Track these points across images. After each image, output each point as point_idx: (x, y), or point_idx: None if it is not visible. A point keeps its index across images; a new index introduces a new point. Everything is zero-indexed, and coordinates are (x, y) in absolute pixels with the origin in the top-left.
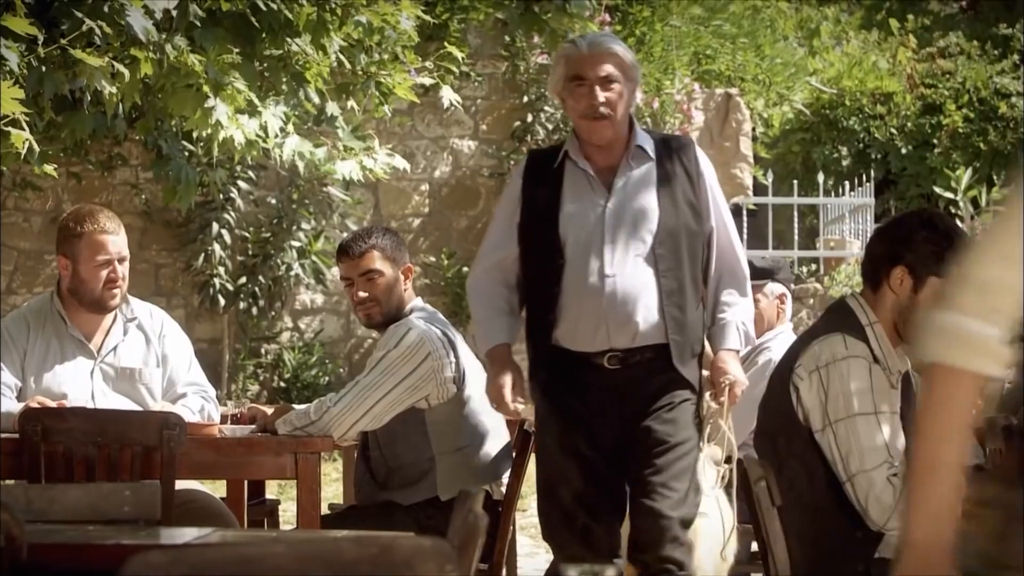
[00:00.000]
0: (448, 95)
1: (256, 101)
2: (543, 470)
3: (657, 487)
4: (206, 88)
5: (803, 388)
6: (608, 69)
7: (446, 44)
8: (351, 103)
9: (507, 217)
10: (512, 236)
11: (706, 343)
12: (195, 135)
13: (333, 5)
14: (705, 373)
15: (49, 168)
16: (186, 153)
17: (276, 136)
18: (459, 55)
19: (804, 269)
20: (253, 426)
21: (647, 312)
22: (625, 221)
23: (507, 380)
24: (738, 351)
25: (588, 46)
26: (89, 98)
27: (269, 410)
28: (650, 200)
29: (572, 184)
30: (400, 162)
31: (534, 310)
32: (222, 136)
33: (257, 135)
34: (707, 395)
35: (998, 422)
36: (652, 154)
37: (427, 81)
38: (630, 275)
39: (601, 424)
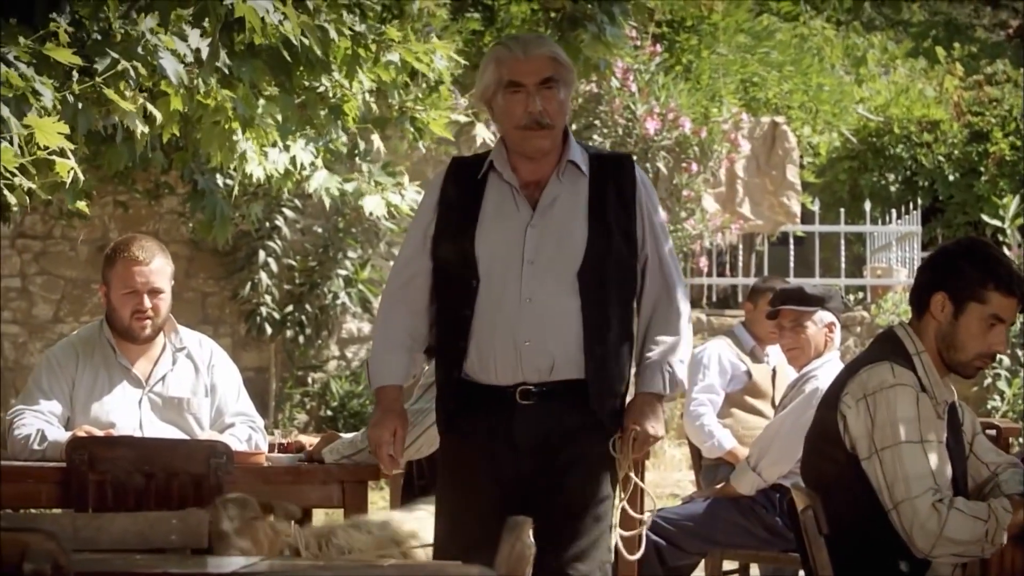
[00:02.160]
0: (482, 133)
1: (278, 139)
2: (444, 507)
3: (569, 561)
4: (233, 124)
5: (850, 416)
6: (547, 74)
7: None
8: (376, 140)
9: (422, 229)
10: (426, 250)
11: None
12: (224, 169)
13: (367, 41)
14: None
15: (82, 204)
16: (224, 186)
17: (305, 170)
18: None
19: (851, 297)
20: (300, 455)
21: (566, 344)
22: (548, 242)
23: (388, 430)
24: (660, 395)
25: (525, 49)
26: (121, 134)
27: (315, 439)
28: (578, 221)
29: (494, 197)
30: None
31: (444, 334)
32: (248, 170)
33: (288, 168)
34: (611, 441)
35: None
36: (585, 170)
37: (462, 119)
38: (549, 302)
39: (509, 461)
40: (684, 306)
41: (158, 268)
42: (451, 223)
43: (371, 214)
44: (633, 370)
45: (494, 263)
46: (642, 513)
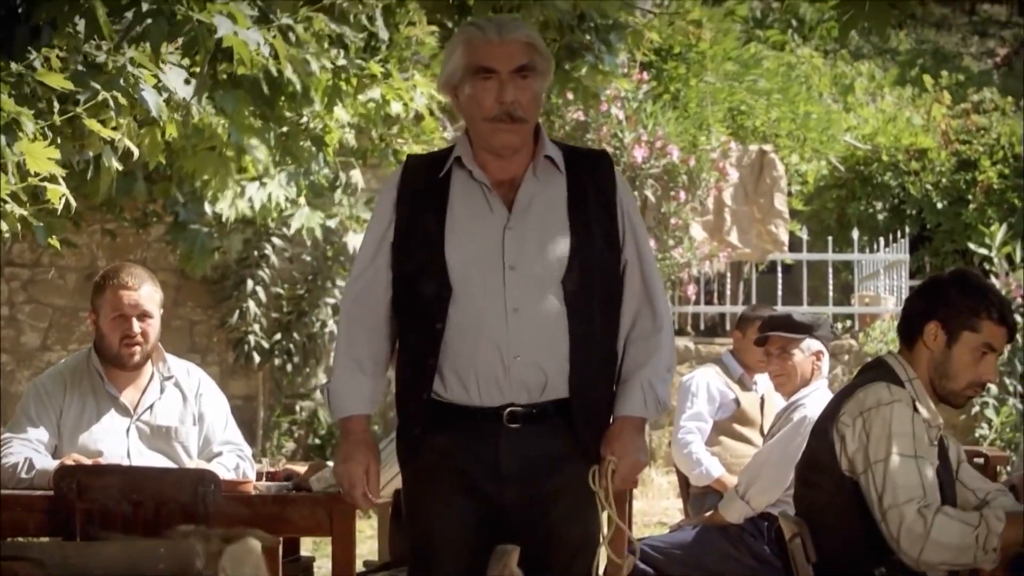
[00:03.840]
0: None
1: (271, 166)
2: (418, 541)
3: None
4: (228, 151)
5: (848, 434)
6: (523, 61)
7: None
8: (356, 175)
9: (378, 236)
10: (383, 259)
11: None
12: (210, 197)
13: (348, 75)
14: None
15: (54, 241)
16: (212, 215)
17: (282, 207)
18: None
19: (839, 325)
20: (288, 483)
21: (557, 359)
22: (530, 246)
23: (360, 466)
24: (642, 419)
25: (499, 31)
26: (92, 170)
27: (303, 468)
28: (560, 222)
29: (463, 198)
30: None
31: (409, 351)
32: (233, 202)
33: (264, 204)
34: (590, 472)
35: None
36: (562, 167)
37: None
38: (537, 312)
39: (491, 489)
40: (667, 315)
41: (147, 294)
42: (414, 228)
43: (353, 251)
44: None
45: (470, 271)
46: (624, 555)
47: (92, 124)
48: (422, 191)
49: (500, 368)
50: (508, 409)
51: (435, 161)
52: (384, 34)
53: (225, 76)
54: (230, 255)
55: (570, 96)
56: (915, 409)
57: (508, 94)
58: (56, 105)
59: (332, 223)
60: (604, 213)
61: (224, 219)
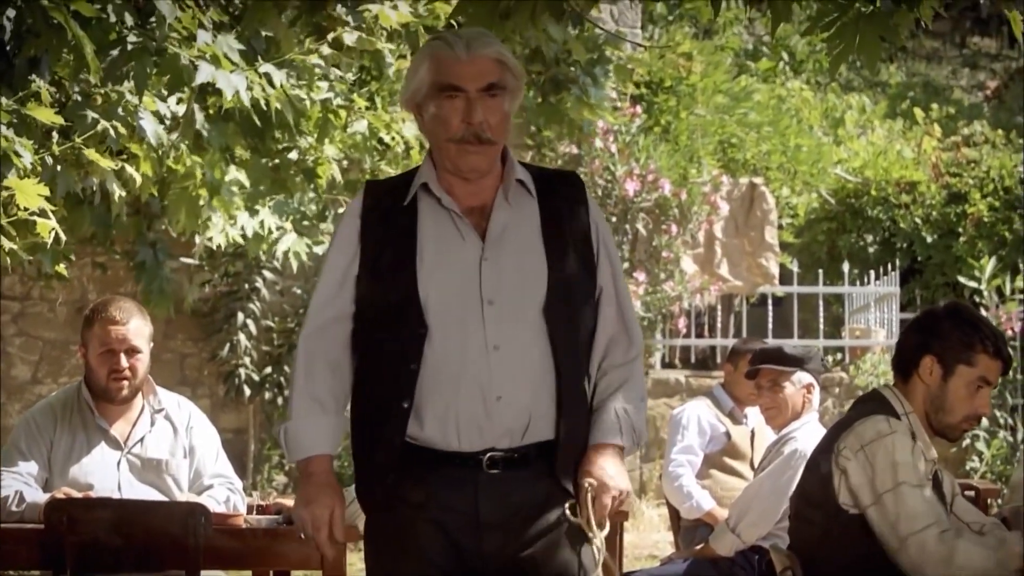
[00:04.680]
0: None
1: (241, 206)
2: None
3: None
4: (201, 191)
5: (851, 468)
6: (492, 79)
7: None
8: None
9: (340, 269)
10: (348, 294)
11: None
12: (178, 230)
13: (336, 107)
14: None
15: (61, 268)
16: (197, 254)
17: (273, 234)
18: None
19: (829, 358)
20: (279, 516)
21: (540, 399)
22: (507, 278)
23: (326, 509)
24: (619, 447)
25: (468, 46)
26: (99, 197)
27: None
28: (535, 250)
29: (432, 226)
30: None
31: (377, 393)
32: (210, 236)
33: (256, 232)
34: (565, 507)
35: None
36: (533, 191)
37: None
38: (518, 348)
39: (470, 539)
40: (640, 342)
41: (135, 328)
42: (380, 260)
43: None
44: None
45: (446, 306)
46: None
47: (91, 154)
48: (388, 221)
49: (481, 410)
50: (488, 454)
51: (398, 186)
52: (392, 66)
53: (215, 109)
54: (212, 286)
55: (554, 129)
56: (914, 439)
57: (476, 114)
58: (55, 136)
59: (319, 249)
60: (579, 237)
61: (214, 246)
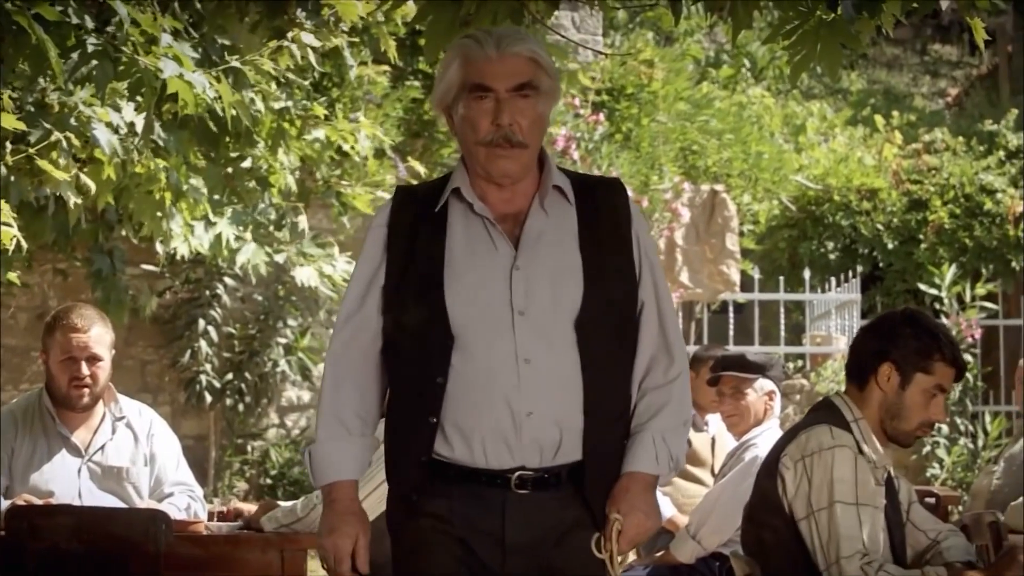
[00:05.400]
0: None
1: (208, 210)
2: None
3: None
4: (166, 194)
5: (788, 477)
6: (523, 79)
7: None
8: (302, 220)
9: (365, 280)
10: (372, 305)
11: None
12: (144, 233)
13: (291, 116)
14: None
15: (12, 276)
16: (128, 268)
17: (232, 244)
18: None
19: (790, 365)
20: (239, 523)
21: (572, 416)
22: (539, 288)
23: (349, 538)
24: (653, 477)
25: (498, 44)
26: (53, 206)
27: (253, 507)
28: (572, 260)
29: (463, 233)
30: None
31: (405, 408)
32: (173, 246)
33: (213, 243)
34: (595, 538)
35: (985, 518)
36: (571, 198)
37: (387, 196)
38: (550, 362)
39: (494, 561)
40: (684, 362)
41: (97, 336)
42: (409, 269)
43: (301, 284)
44: None
45: (475, 317)
46: None
47: (44, 164)
48: (416, 227)
49: (510, 426)
50: (517, 473)
51: (429, 192)
52: (353, 69)
53: (171, 116)
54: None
55: None
56: (860, 451)
57: (505, 115)
58: (8, 145)
59: (280, 258)
60: (619, 248)
61: (178, 257)
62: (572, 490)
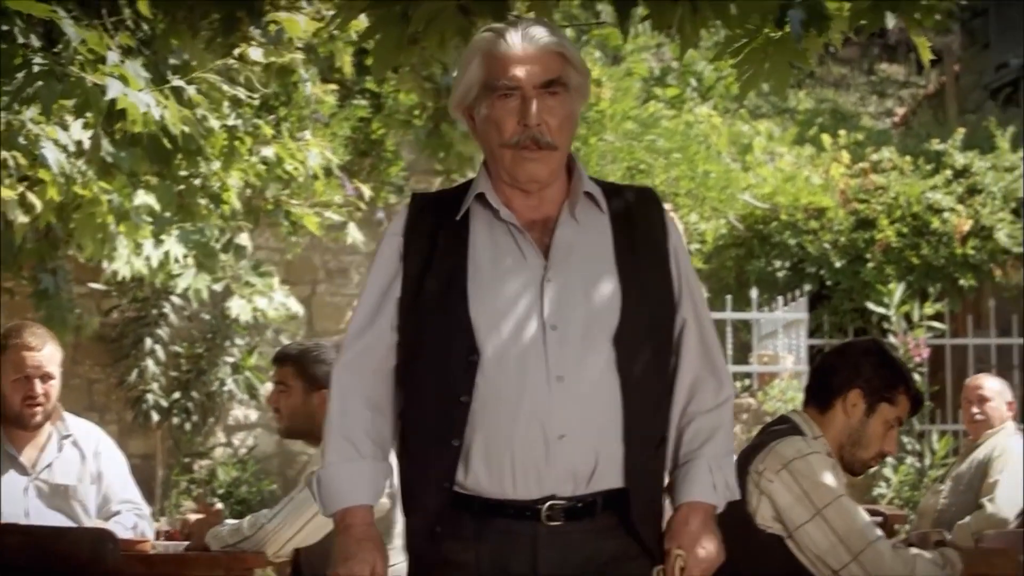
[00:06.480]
0: (353, 233)
1: (150, 234)
2: None
3: None
4: (108, 217)
5: (774, 489)
6: (552, 75)
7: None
8: (246, 238)
9: (378, 293)
10: (388, 320)
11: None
12: (86, 256)
13: (241, 134)
14: None
15: None
16: (72, 287)
17: (178, 263)
18: (367, 193)
19: (738, 384)
20: (187, 542)
21: (609, 439)
22: (574, 301)
23: (366, 565)
24: (712, 506)
25: (522, 37)
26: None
27: (196, 516)
28: (607, 272)
29: (487, 241)
30: (295, 305)
31: (423, 432)
32: (117, 267)
33: (161, 262)
34: (655, 572)
35: (932, 537)
36: (604, 206)
37: (335, 217)
38: (586, 381)
39: None
40: (729, 385)
41: (49, 354)
42: (428, 281)
43: (237, 317)
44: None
45: (503, 331)
46: None
47: None
48: (436, 235)
49: (541, 451)
50: (548, 503)
51: (449, 199)
52: (308, 86)
53: (121, 135)
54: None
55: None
56: (830, 456)
57: (533, 115)
58: None
59: (218, 286)
60: (657, 262)
61: (121, 278)
62: (611, 520)
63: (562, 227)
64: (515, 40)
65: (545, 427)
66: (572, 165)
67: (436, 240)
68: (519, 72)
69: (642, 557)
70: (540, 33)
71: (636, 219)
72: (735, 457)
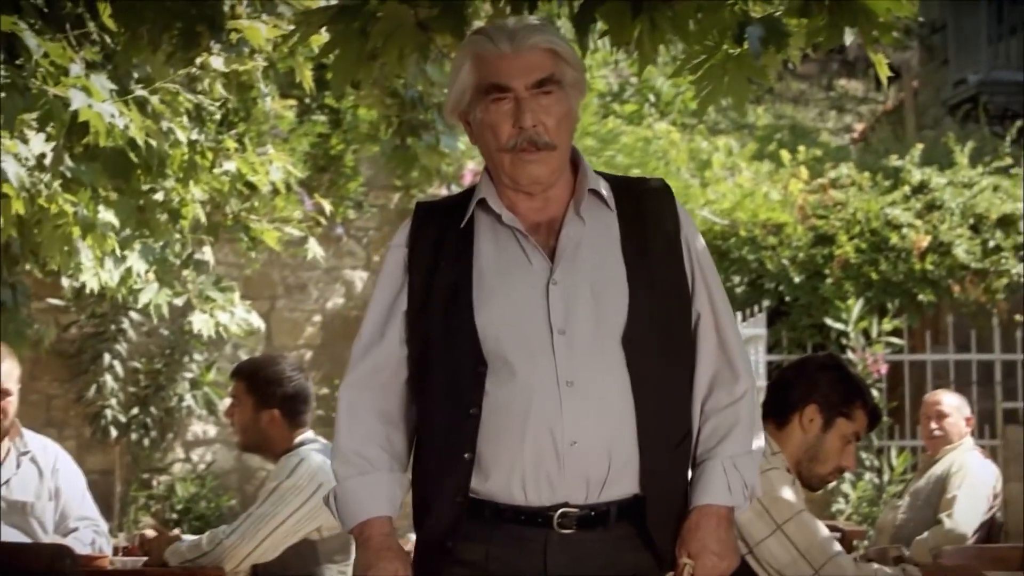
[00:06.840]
0: (314, 248)
1: (116, 247)
2: None
3: None
4: (74, 229)
5: None
6: (543, 73)
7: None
8: (208, 252)
9: (386, 304)
10: (396, 332)
11: None
12: (53, 265)
13: (203, 148)
14: None
15: None
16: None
17: (140, 278)
18: (328, 209)
19: None
20: (145, 558)
21: (622, 444)
22: (581, 303)
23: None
24: (728, 509)
25: (512, 39)
26: None
27: (152, 533)
28: (615, 272)
29: (492, 247)
30: (256, 320)
31: (433, 445)
32: (85, 279)
33: (123, 277)
34: None
35: (890, 553)
36: (611, 203)
37: (296, 232)
38: (598, 385)
39: None
40: (751, 377)
41: (6, 371)
42: (434, 291)
43: (198, 332)
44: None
45: (510, 339)
46: None
47: None
48: (440, 245)
49: (552, 458)
50: (560, 511)
51: (452, 206)
52: (267, 99)
53: (82, 149)
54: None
55: (410, 176)
56: (789, 472)
57: (528, 116)
58: None
59: (179, 301)
60: (668, 257)
61: (87, 290)
62: (627, 530)
63: (567, 227)
64: (504, 41)
65: (556, 434)
66: (578, 162)
67: (441, 249)
68: (510, 74)
69: (659, 569)
70: (530, 32)
71: (646, 213)
72: (760, 453)
